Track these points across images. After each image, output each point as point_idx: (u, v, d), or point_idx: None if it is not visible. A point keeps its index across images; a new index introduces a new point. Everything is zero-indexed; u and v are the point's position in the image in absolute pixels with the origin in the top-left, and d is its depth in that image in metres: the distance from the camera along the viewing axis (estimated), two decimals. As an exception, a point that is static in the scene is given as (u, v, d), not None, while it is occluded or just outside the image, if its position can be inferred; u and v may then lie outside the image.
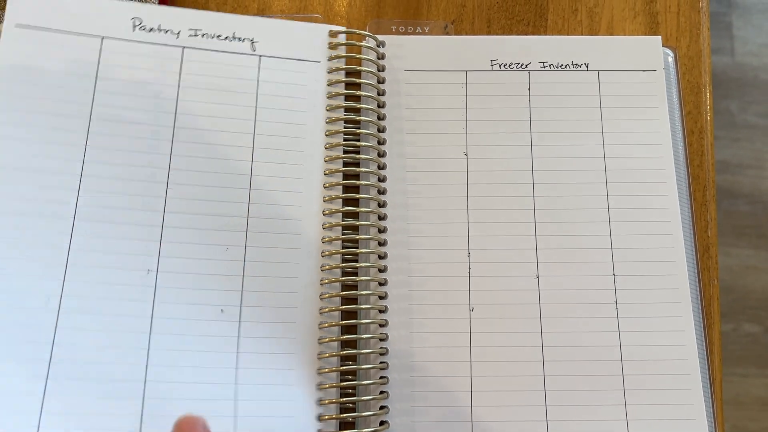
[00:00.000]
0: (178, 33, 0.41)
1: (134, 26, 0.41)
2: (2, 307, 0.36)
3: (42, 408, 0.36)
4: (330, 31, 0.43)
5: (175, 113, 0.40)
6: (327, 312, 0.39)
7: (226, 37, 0.42)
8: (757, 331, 1.16)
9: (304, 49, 0.42)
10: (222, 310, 0.38)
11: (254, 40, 0.42)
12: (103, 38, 0.41)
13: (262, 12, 0.46)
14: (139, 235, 0.38)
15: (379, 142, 0.42)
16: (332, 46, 0.43)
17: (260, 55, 0.42)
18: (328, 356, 0.38)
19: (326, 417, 0.37)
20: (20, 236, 0.37)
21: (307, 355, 0.38)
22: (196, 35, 0.41)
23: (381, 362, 0.39)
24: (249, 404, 0.37)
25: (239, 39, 0.42)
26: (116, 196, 0.39)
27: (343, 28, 0.43)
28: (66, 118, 0.39)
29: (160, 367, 0.37)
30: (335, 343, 0.39)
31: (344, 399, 0.38)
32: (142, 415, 0.36)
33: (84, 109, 0.39)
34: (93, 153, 0.39)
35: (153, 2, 0.44)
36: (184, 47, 0.41)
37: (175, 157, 0.40)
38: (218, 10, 0.46)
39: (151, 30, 0.41)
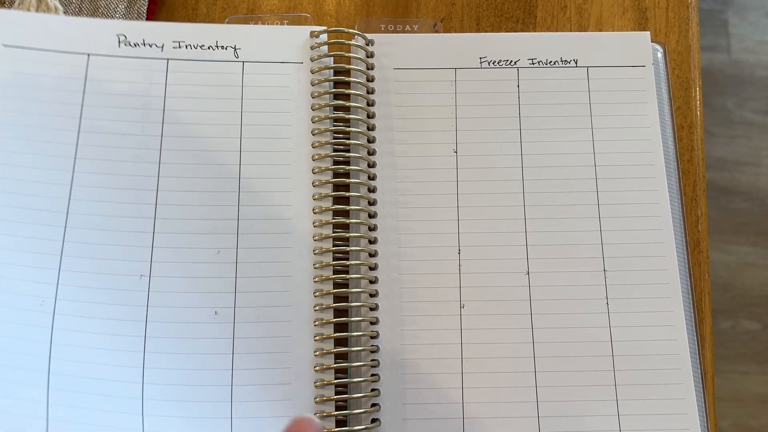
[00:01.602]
0: (162, 46, 0.42)
1: (119, 42, 0.42)
2: None
3: (48, 415, 0.36)
4: (311, 31, 0.43)
5: (163, 122, 0.41)
6: (320, 309, 0.39)
7: (209, 47, 0.42)
8: (756, 328, 1.15)
9: (286, 52, 0.43)
10: (216, 312, 0.38)
11: (237, 47, 0.43)
12: (89, 55, 0.42)
13: (251, 11, 0.46)
14: (132, 242, 0.39)
15: (368, 141, 0.42)
16: (315, 46, 0.43)
17: (243, 61, 0.42)
18: (326, 353, 0.38)
19: (324, 414, 0.37)
20: (13, 244, 0.38)
21: (304, 353, 0.38)
22: (179, 47, 0.42)
23: (372, 360, 0.39)
24: (246, 405, 0.37)
25: (222, 47, 0.43)
26: (107, 205, 0.40)
27: (324, 28, 0.43)
28: (56, 131, 0.40)
29: (155, 370, 0.37)
30: (329, 341, 0.39)
31: (336, 397, 0.38)
32: (143, 416, 0.37)
33: (73, 123, 0.41)
34: (83, 164, 0.40)
35: (141, 18, 0.45)
36: (168, 59, 0.42)
37: (164, 165, 0.41)
38: (208, 10, 0.46)
39: (135, 45, 0.42)
